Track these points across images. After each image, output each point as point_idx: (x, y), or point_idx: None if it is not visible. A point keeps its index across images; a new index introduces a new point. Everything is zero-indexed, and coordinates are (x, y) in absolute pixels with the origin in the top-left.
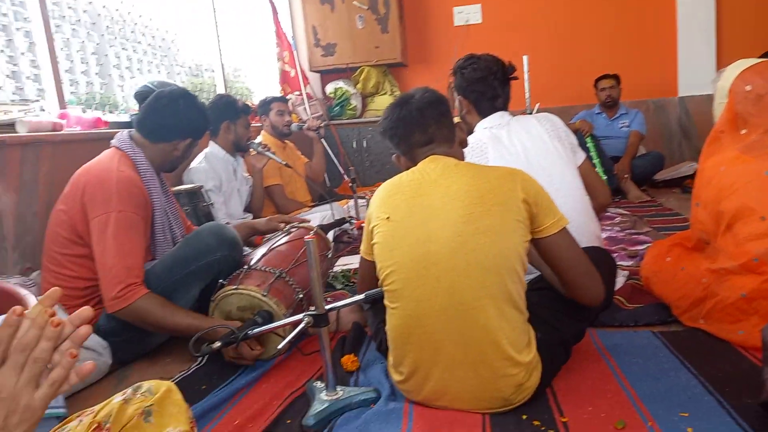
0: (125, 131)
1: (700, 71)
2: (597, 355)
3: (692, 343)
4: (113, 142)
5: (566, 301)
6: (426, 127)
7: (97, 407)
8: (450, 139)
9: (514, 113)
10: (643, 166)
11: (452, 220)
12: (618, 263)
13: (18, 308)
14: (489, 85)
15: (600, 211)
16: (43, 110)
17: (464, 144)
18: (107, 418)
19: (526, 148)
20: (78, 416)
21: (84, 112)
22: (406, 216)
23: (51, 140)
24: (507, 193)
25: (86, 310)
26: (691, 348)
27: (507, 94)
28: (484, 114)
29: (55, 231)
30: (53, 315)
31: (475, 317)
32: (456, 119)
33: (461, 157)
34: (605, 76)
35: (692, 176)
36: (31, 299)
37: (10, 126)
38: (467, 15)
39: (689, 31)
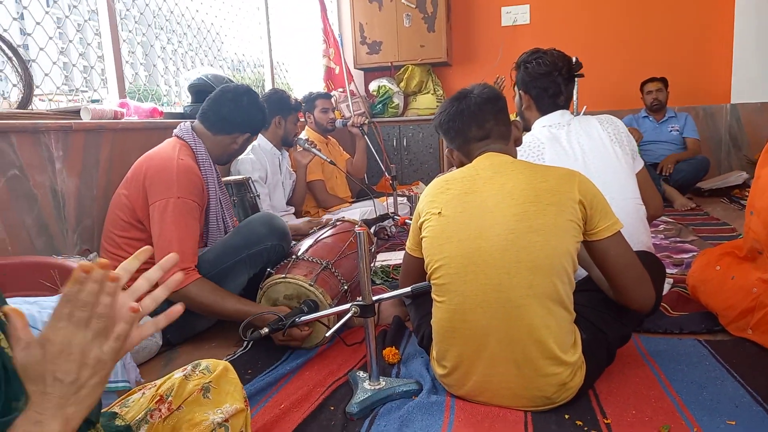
0: (187, 122)
1: (755, 78)
2: (641, 360)
3: (739, 352)
4: (176, 131)
5: (613, 304)
6: (483, 122)
7: (158, 381)
8: (506, 137)
9: None
10: (686, 171)
11: (505, 218)
12: None
13: (86, 265)
14: (553, 81)
15: (649, 221)
16: (95, 101)
17: (519, 142)
18: (169, 392)
19: (585, 152)
20: (140, 389)
21: (142, 102)
22: (458, 212)
23: (112, 128)
24: (563, 194)
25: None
26: (738, 358)
27: (570, 91)
28: (544, 111)
29: (115, 214)
30: (106, 266)
31: (521, 315)
32: (512, 117)
33: (515, 155)
34: (652, 79)
35: (741, 186)
36: None
37: (75, 113)
38: (515, 15)
39: (746, 36)
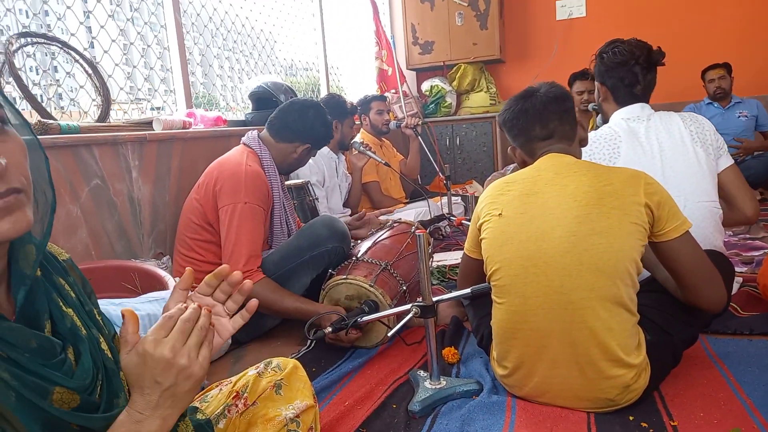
0: (254, 131)
1: None
2: (708, 362)
3: None
4: (244, 140)
5: (678, 305)
6: (547, 122)
7: (234, 378)
8: (570, 137)
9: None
10: (756, 168)
11: (567, 220)
12: None
13: (185, 279)
14: (629, 70)
15: (740, 224)
16: (153, 109)
17: (584, 143)
18: (244, 388)
19: (663, 149)
20: (217, 385)
21: (208, 111)
22: (519, 213)
23: (182, 137)
24: (628, 197)
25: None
26: None
27: (649, 81)
28: (621, 103)
29: (188, 218)
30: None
31: (583, 317)
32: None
33: (579, 156)
34: (714, 66)
35: None
36: (170, 280)
37: (148, 124)
38: (570, 8)
39: None
